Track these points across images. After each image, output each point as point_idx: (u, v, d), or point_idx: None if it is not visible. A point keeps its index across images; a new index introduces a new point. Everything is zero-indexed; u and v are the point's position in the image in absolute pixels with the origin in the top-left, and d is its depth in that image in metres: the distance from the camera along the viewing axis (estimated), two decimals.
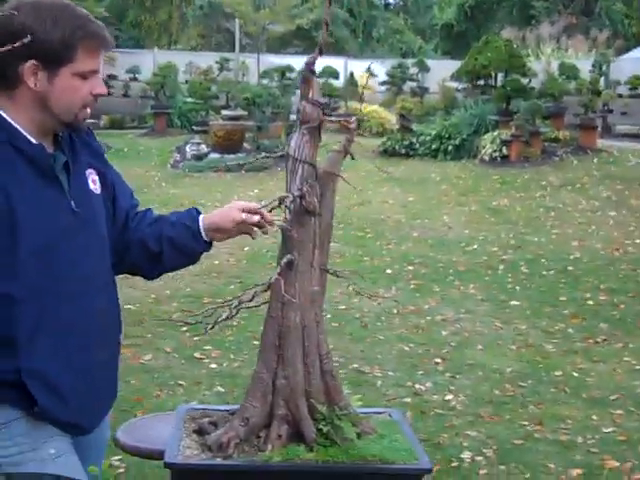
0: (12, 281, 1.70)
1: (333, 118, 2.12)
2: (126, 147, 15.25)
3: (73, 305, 1.80)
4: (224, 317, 1.96)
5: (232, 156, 13.68)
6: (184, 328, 5.98)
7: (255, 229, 2.09)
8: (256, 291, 2.05)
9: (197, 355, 5.56)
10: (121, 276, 2.08)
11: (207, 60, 20.75)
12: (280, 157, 2.20)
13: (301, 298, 2.13)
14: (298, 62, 20.61)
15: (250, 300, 2.03)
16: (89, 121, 1.88)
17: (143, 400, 4.58)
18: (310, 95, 2.07)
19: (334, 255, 8.64)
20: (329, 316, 6.59)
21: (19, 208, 1.70)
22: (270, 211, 2.09)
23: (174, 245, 2.04)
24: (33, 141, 1.77)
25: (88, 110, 1.82)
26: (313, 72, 2.08)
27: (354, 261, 8.51)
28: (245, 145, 14.46)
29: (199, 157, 14.04)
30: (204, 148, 14.30)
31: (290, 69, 17.93)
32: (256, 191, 12.06)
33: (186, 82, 18.62)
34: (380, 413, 2.44)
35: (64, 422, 1.82)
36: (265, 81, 18.41)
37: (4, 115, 1.75)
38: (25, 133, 1.76)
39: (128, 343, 5.64)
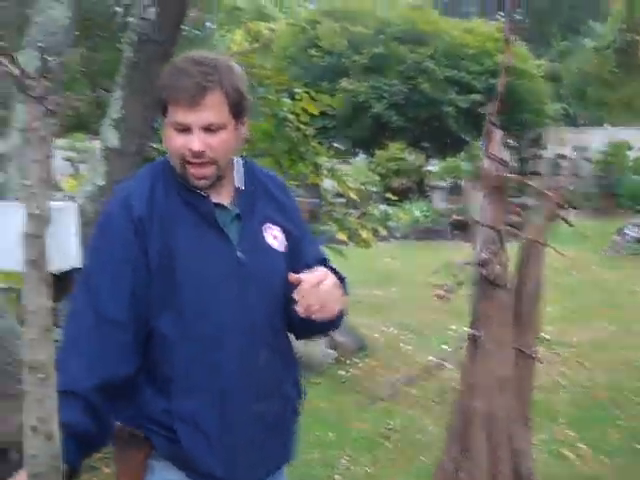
0: (169, 322, 1.76)
1: (515, 176, 1.83)
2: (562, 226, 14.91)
3: (228, 353, 1.78)
4: (390, 393, 1.80)
5: None
6: (561, 419, 5.58)
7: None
8: (427, 368, 1.84)
9: (565, 451, 5.08)
10: None
11: None
12: None
13: (487, 381, 1.86)
14: None
15: (418, 376, 1.84)
16: None
17: None
18: (490, 150, 1.83)
19: None
20: None
21: (182, 256, 1.76)
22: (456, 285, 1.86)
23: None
24: (202, 193, 1.81)
25: (193, 170, 1.77)
26: (494, 124, 1.84)
27: None
28: None
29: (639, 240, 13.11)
30: None
31: None
32: None
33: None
34: None
35: (206, 471, 1.78)
36: None
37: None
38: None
39: None
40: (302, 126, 7.15)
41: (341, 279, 1.84)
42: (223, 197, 1.85)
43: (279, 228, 1.91)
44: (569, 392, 6.18)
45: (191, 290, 1.75)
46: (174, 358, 1.76)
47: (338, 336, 6.85)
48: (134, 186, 1.84)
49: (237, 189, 1.88)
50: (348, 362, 6.63)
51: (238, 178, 1.89)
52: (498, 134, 1.85)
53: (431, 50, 19.07)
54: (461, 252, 13.71)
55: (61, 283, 3.80)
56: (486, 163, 1.83)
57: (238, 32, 31.22)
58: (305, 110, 7.48)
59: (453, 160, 16.50)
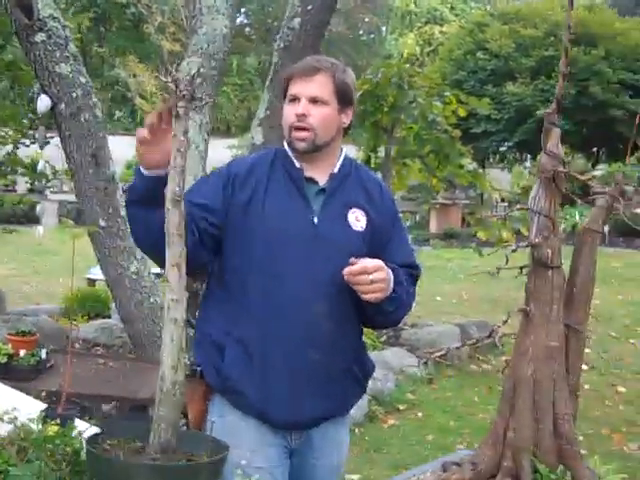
0: (242, 258, 2.10)
1: (569, 171, 2.05)
2: None
3: (286, 295, 2.07)
4: (441, 353, 2.08)
5: None
6: None
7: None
8: (480, 337, 2.11)
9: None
10: None
11: None
12: None
13: (535, 351, 2.10)
14: None
15: (474, 344, 2.11)
16: None
17: None
18: (548, 146, 2.07)
19: None
20: None
21: (267, 207, 2.12)
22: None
23: None
24: (297, 165, 2.18)
25: (297, 133, 2.12)
26: (554, 123, 2.08)
27: None
28: None
29: None
30: None
31: None
32: None
33: None
34: None
35: (240, 390, 2.06)
36: None
37: (286, 146, 2.22)
38: (294, 159, 2.19)
39: (625, 430, 5.47)
40: (449, 128, 7.40)
41: (400, 283, 2.12)
42: (318, 175, 2.19)
43: (363, 213, 2.20)
44: None
45: (266, 237, 2.09)
46: (239, 289, 2.10)
47: (474, 333, 7.05)
48: (245, 157, 2.30)
49: (332, 173, 2.21)
50: (481, 358, 6.82)
51: (337, 165, 2.23)
52: (556, 132, 2.09)
53: (604, 52, 18.55)
54: (619, 259, 13.37)
55: None
56: (543, 158, 2.07)
57: (410, 36, 31.58)
58: (454, 113, 7.72)
59: (618, 165, 15.96)
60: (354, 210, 2.20)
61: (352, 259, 2.02)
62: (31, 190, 15.31)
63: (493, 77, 19.47)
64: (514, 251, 2.07)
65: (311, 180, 2.18)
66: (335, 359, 2.14)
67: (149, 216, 1.91)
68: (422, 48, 29.08)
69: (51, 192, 16.62)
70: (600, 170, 16.69)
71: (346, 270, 2.00)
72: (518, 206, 2.17)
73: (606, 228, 14.95)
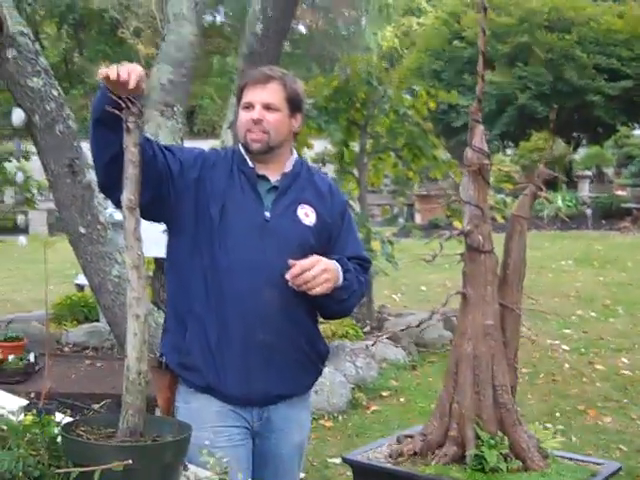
0: (201, 249, 2.28)
1: (496, 164, 2.23)
2: None
3: (238, 281, 2.24)
4: (388, 334, 2.27)
5: None
6: None
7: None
8: (423, 319, 2.30)
9: None
10: None
11: None
12: None
13: (473, 330, 2.29)
14: None
15: (417, 326, 2.30)
16: None
17: None
18: (473, 142, 2.26)
19: None
20: None
21: (228, 199, 2.30)
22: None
23: None
24: (250, 164, 2.36)
25: (252, 135, 2.30)
26: (477, 121, 2.26)
27: None
28: None
29: None
30: None
31: None
32: None
33: None
34: (599, 464, 2.36)
35: (198, 367, 2.24)
36: None
37: (241, 147, 2.40)
38: (248, 159, 2.37)
39: (600, 405, 5.66)
40: (421, 121, 7.57)
41: (348, 271, 2.31)
42: (269, 173, 2.37)
43: (312, 209, 2.38)
44: None
45: (223, 230, 2.26)
46: (196, 276, 2.28)
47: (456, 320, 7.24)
48: (212, 150, 2.49)
49: (284, 172, 2.40)
50: None
51: (288, 165, 2.41)
52: (480, 129, 2.27)
53: (578, 37, 18.76)
54: (601, 242, 13.60)
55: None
56: (469, 153, 2.25)
57: (388, 29, 31.74)
58: (426, 105, 7.89)
59: (597, 148, 16.17)
60: (303, 206, 2.38)
61: (290, 261, 2.18)
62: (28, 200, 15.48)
63: (469, 65, 19.64)
64: (448, 239, 2.25)
65: (263, 178, 2.36)
66: (287, 343, 2.30)
67: (109, 136, 2.03)
68: (400, 40, 29.23)
69: (39, 201, 16.75)
70: (579, 154, 16.95)
71: (287, 275, 2.18)
72: (452, 198, 2.35)
73: (589, 212, 15.23)
